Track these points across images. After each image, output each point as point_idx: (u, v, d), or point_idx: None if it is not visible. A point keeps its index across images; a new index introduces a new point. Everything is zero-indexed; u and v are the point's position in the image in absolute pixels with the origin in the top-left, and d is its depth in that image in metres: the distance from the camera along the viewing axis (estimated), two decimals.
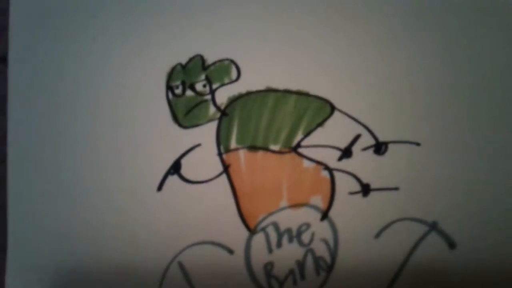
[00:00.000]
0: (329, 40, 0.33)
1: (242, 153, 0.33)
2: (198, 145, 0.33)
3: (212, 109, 0.33)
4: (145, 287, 0.32)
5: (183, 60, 0.34)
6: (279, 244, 0.32)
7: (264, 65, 0.33)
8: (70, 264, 0.32)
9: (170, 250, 0.32)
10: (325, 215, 0.32)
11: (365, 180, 0.32)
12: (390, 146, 0.32)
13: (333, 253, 0.32)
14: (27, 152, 0.33)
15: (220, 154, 0.33)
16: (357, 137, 0.32)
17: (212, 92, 0.33)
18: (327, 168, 0.32)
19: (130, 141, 0.33)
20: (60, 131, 0.33)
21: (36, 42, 0.34)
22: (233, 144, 0.33)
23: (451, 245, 0.31)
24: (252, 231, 0.32)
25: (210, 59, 0.34)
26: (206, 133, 0.33)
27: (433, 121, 0.32)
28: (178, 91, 0.33)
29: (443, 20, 0.33)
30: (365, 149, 0.32)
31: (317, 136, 0.33)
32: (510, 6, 0.33)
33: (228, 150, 0.33)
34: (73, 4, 0.34)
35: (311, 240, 0.32)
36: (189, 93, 0.33)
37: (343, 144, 0.32)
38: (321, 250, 0.32)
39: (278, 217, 0.32)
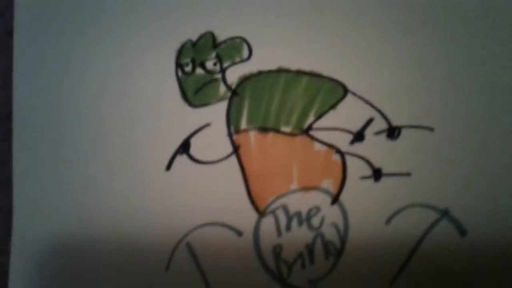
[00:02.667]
0: (344, 21, 0.32)
1: (253, 134, 0.32)
2: (208, 124, 0.32)
3: (222, 88, 0.33)
4: (152, 267, 0.32)
5: (193, 37, 0.33)
6: (288, 227, 0.32)
7: (276, 45, 0.33)
8: (77, 244, 0.32)
9: (178, 231, 0.32)
10: (335, 199, 0.32)
11: (377, 165, 0.32)
12: (403, 130, 0.32)
13: (343, 238, 0.31)
14: (31, 129, 0.33)
15: (230, 135, 0.32)
16: (369, 121, 0.32)
17: (223, 70, 0.33)
18: (338, 151, 0.32)
19: (139, 120, 0.33)
20: (66, 108, 0.33)
21: (42, 16, 0.34)
22: (243, 124, 0.32)
23: (462, 232, 0.31)
24: (261, 213, 0.32)
25: (221, 36, 0.33)
26: (216, 112, 0.32)
27: (447, 106, 0.32)
28: (188, 69, 0.33)
29: (461, 3, 0.32)
30: (377, 133, 0.32)
31: (329, 119, 0.32)
32: None
33: (238, 131, 0.32)
34: None
35: (321, 224, 0.32)
36: (199, 71, 0.33)
37: (355, 128, 0.32)
38: (330, 234, 0.32)
39: (288, 200, 0.32)
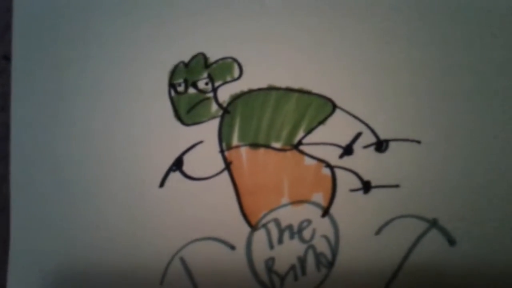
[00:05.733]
0: (331, 39, 0.33)
1: (244, 150, 0.33)
2: (200, 142, 0.33)
3: (214, 107, 0.33)
4: (147, 282, 0.32)
5: (186, 58, 0.34)
6: (280, 240, 0.32)
7: (266, 64, 0.34)
8: (72, 259, 0.32)
9: (172, 246, 0.32)
10: (326, 212, 0.32)
11: (366, 178, 0.32)
12: (391, 144, 0.32)
13: (334, 250, 0.32)
14: (29, 149, 0.34)
15: (222, 151, 0.33)
16: (358, 135, 0.33)
17: (214, 90, 0.34)
18: (328, 165, 0.33)
19: (133, 138, 0.33)
20: (62, 128, 0.34)
21: (39, 40, 0.35)
22: (235, 141, 0.33)
23: (451, 242, 0.31)
24: (253, 227, 0.32)
25: (212, 57, 0.34)
26: (208, 130, 0.33)
27: (434, 119, 0.32)
28: (181, 88, 0.34)
29: (446, 19, 0.33)
30: (366, 146, 0.32)
31: (319, 134, 0.33)
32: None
33: (230, 147, 0.33)
34: (76, 2, 0.35)
35: (312, 236, 0.32)
36: (191, 90, 0.34)
37: (344, 142, 0.33)
38: (322, 246, 0.32)
39: (280, 214, 0.32)
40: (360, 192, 0.32)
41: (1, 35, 0.36)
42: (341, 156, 0.33)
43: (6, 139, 0.34)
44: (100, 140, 0.33)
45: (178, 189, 0.33)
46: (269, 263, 0.32)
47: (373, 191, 0.32)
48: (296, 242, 0.32)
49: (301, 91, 0.33)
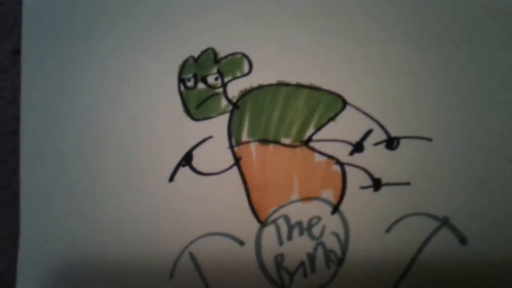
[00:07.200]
0: (342, 34, 0.33)
1: (254, 146, 0.33)
2: (210, 137, 0.33)
3: (223, 102, 0.33)
4: (156, 277, 0.32)
5: (195, 53, 0.34)
6: (289, 237, 0.32)
7: (276, 59, 0.33)
8: (81, 253, 0.33)
9: (181, 241, 0.32)
10: (336, 209, 0.32)
11: (376, 175, 0.32)
12: (402, 141, 0.32)
13: (344, 247, 0.32)
14: (39, 143, 0.34)
15: (231, 147, 0.33)
16: (368, 132, 0.32)
17: (224, 85, 0.33)
18: (338, 162, 0.32)
19: (143, 133, 0.33)
20: (72, 122, 0.34)
21: (49, 34, 0.35)
22: (244, 137, 0.33)
23: (462, 240, 0.31)
24: (262, 223, 0.32)
25: (222, 52, 0.34)
26: (218, 125, 0.33)
27: (445, 117, 0.32)
28: (190, 83, 0.34)
29: (456, 15, 0.33)
30: (376, 144, 0.32)
31: (329, 131, 0.33)
32: None
33: (239, 143, 0.33)
34: None
35: (322, 233, 0.32)
36: (201, 86, 0.34)
37: (354, 139, 0.32)
38: (331, 243, 0.32)
39: (289, 210, 0.32)
40: (370, 190, 0.32)
41: (11, 29, 0.36)
42: (351, 153, 0.32)
43: (16, 133, 0.34)
44: (109, 135, 0.33)
45: (187, 184, 0.33)
46: (279, 259, 0.32)
47: (384, 189, 0.32)
48: (305, 238, 0.32)
49: (311, 87, 0.33)
